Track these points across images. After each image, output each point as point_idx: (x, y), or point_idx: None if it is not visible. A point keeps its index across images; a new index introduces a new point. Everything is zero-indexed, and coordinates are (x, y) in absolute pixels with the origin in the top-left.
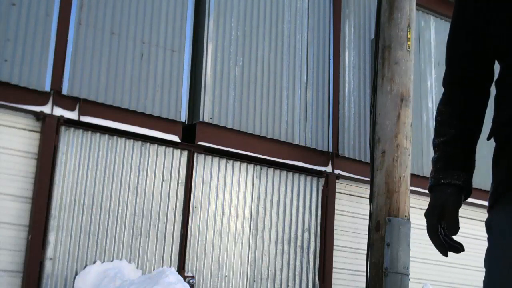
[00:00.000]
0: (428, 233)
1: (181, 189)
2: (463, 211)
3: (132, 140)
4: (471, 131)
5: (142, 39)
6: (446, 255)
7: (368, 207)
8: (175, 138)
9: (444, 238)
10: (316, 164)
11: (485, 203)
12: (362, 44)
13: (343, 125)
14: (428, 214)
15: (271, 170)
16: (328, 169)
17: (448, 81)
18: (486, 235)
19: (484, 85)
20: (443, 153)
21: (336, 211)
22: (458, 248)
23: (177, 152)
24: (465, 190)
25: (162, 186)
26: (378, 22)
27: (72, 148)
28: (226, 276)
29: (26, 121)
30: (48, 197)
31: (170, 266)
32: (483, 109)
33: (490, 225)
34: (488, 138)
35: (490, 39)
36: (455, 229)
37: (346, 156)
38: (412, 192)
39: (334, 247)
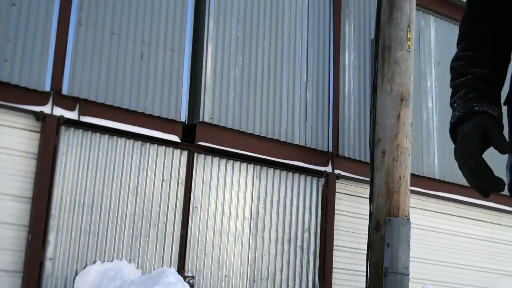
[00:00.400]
0: (468, 160)
1: (181, 189)
2: (462, 210)
3: (132, 140)
4: (500, 74)
5: (142, 39)
6: (490, 187)
7: (368, 207)
8: (175, 138)
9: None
10: (316, 164)
11: (485, 203)
12: (362, 44)
13: (343, 125)
14: (466, 135)
15: (271, 170)
16: (328, 169)
17: (468, 32)
18: (486, 235)
19: (508, 41)
20: (474, 87)
21: (336, 211)
22: (500, 182)
23: (177, 152)
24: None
25: (162, 186)
26: (378, 22)
27: (72, 148)
28: (226, 276)
29: (26, 121)
30: (48, 197)
31: (170, 266)
32: (508, 61)
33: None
34: (505, 103)
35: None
36: (506, 145)
37: (346, 156)
38: (412, 192)
39: (334, 247)
